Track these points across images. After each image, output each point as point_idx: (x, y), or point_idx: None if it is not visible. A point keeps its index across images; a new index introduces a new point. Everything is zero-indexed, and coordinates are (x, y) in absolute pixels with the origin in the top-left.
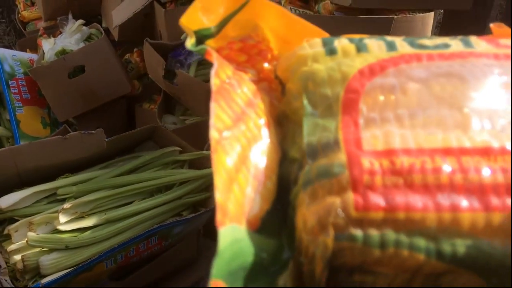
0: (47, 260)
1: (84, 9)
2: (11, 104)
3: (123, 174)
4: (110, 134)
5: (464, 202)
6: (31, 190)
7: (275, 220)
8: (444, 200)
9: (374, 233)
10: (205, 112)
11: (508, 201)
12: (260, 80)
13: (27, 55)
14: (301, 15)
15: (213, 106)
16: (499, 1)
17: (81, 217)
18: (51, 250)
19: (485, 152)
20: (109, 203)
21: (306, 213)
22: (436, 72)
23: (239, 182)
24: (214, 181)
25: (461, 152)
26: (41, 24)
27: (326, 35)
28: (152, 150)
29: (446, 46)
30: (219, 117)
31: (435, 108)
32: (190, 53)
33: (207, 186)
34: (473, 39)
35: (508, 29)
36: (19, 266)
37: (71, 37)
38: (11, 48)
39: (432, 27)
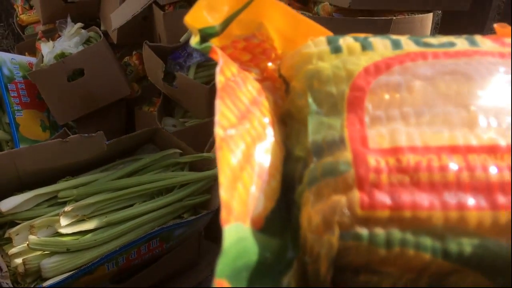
0: (49, 263)
1: (82, 12)
2: (10, 108)
3: (123, 176)
4: (110, 137)
5: (470, 201)
6: (32, 193)
7: (279, 219)
8: (450, 198)
9: (380, 232)
10: (205, 114)
11: None
12: (264, 79)
13: (26, 59)
14: None
15: (218, 104)
16: (498, 2)
17: (82, 220)
18: (52, 253)
19: (492, 150)
20: (110, 206)
21: (311, 212)
22: (441, 70)
23: (244, 180)
24: (219, 178)
25: (467, 150)
26: (40, 28)
27: (330, 34)
28: (153, 152)
29: (452, 44)
30: (224, 115)
31: (441, 106)
32: (189, 55)
33: (208, 188)
34: (478, 38)
35: (505, 31)
36: (20, 269)
37: (70, 40)
38: (10, 52)
39: (431, 28)
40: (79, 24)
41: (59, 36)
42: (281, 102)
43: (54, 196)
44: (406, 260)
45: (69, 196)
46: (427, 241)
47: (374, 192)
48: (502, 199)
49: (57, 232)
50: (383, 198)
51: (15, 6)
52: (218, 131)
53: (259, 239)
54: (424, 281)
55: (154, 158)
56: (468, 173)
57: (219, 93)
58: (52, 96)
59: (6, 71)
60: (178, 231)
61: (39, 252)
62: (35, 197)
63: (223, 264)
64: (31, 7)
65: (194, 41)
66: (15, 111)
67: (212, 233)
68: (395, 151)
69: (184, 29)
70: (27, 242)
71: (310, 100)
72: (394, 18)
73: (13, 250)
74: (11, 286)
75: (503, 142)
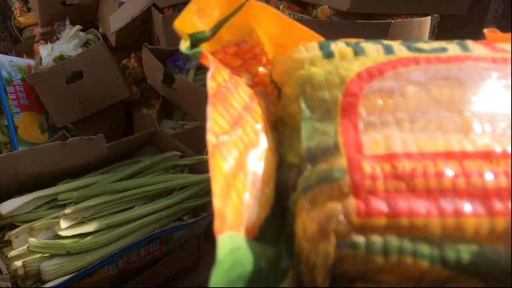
0: (48, 266)
1: (80, 15)
2: (9, 110)
3: (123, 179)
4: (109, 139)
5: (467, 207)
6: (32, 195)
7: (273, 228)
8: (447, 205)
9: (377, 240)
10: (204, 117)
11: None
12: (255, 84)
13: (24, 61)
14: (299, 20)
15: (210, 110)
16: (495, 6)
17: (82, 223)
18: (52, 256)
19: (487, 156)
20: (109, 208)
21: (306, 220)
22: (434, 76)
23: (237, 188)
24: (212, 187)
25: (463, 156)
26: (38, 30)
27: (322, 39)
28: (152, 155)
29: (443, 50)
30: (216, 121)
31: (435, 111)
32: (188, 58)
33: (208, 190)
34: (470, 43)
35: (501, 34)
36: (20, 272)
37: (68, 42)
38: (7, 54)
39: (429, 31)
40: (78, 27)
41: (57, 38)
42: (273, 107)
43: (54, 198)
44: (404, 268)
45: (69, 198)
46: (424, 248)
47: (370, 199)
48: (498, 205)
49: (57, 235)
50: (380, 205)
51: (13, 9)
52: (210, 138)
53: (253, 248)
54: None
55: (154, 160)
56: (464, 179)
57: (210, 99)
58: (51, 98)
59: (4, 74)
60: (178, 233)
61: (39, 255)
62: (35, 199)
63: (217, 276)
64: (29, 10)
65: (184, 46)
66: (14, 114)
67: (211, 235)
68: (390, 157)
69: None
70: (27, 245)
71: (302, 105)
72: (393, 21)
73: (13, 253)
74: None
75: (498, 147)
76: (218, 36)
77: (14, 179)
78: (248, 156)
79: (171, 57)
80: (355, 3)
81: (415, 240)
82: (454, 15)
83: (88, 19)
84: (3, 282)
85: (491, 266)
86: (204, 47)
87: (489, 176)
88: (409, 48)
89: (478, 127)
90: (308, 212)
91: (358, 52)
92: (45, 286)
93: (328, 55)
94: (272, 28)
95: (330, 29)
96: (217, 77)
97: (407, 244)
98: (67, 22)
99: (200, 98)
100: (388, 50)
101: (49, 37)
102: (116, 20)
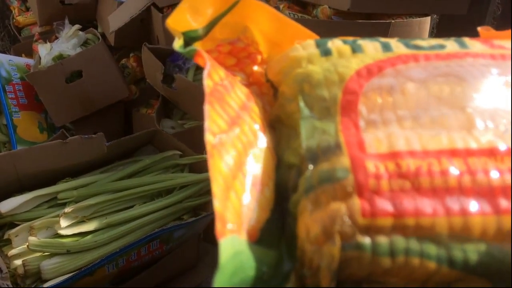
0: (48, 265)
1: (79, 15)
2: (8, 109)
3: (123, 178)
4: (108, 139)
5: (473, 206)
6: (32, 194)
7: (274, 230)
8: (453, 203)
9: (383, 240)
10: (203, 117)
11: None
12: (250, 84)
13: (23, 60)
14: (299, 19)
15: (208, 109)
16: (493, 7)
17: (82, 222)
18: (52, 255)
19: (492, 153)
20: (109, 207)
21: (309, 221)
22: (434, 73)
23: (236, 190)
24: (212, 188)
25: (467, 153)
26: (36, 30)
27: (317, 37)
28: (152, 154)
29: (442, 47)
30: (214, 120)
31: (436, 108)
32: (188, 57)
33: (208, 190)
34: (467, 40)
35: (495, 32)
36: (20, 271)
37: (67, 42)
38: (6, 54)
39: (428, 32)
40: (77, 26)
41: (56, 38)
42: (269, 107)
43: (53, 197)
44: (410, 269)
45: (69, 197)
46: (431, 249)
47: (375, 199)
48: (505, 203)
49: (57, 234)
50: (385, 205)
51: (11, 8)
52: (208, 138)
53: (255, 252)
54: None
55: (154, 159)
56: (469, 177)
57: (207, 98)
58: (50, 97)
59: (3, 73)
60: (178, 232)
61: (39, 254)
62: (35, 198)
63: (220, 281)
64: (27, 9)
65: (178, 44)
66: (13, 113)
67: (211, 235)
68: (394, 155)
69: None
70: (27, 244)
71: (301, 104)
72: (393, 21)
73: (12, 252)
74: (11, 287)
75: (502, 144)
76: (211, 34)
77: (14, 178)
78: (247, 157)
79: (170, 57)
80: (355, 3)
81: (422, 240)
82: (453, 16)
83: (87, 19)
84: (3, 280)
85: (498, 265)
86: (197, 46)
87: (494, 174)
88: (407, 46)
89: (481, 124)
90: (310, 213)
91: (356, 49)
92: (45, 285)
93: (326, 53)
94: (267, 26)
95: (330, 29)
96: (214, 76)
97: (414, 245)
98: (66, 21)
99: (199, 98)
100: (386, 47)
101: (48, 36)
102: (115, 19)
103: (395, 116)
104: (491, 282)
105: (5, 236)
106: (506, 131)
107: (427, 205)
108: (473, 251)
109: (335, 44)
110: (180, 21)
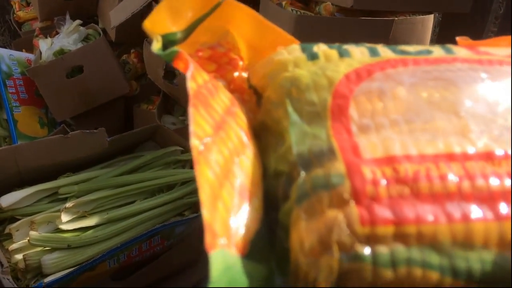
0: (49, 260)
1: (80, 10)
2: (8, 104)
3: (124, 173)
4: (108, 135)
5: (475, 211)
6: (33, 189)
7: (265, 243)
8: (454, 210)
9: (383, 250)
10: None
11: None
12: (231, 91)
13: (24, 55)
14: (302, 16)
15: (192, 112)
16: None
17: (83, 217)
18: (53, 250)
19: (489, 157)
20: (111, 203)
21: (303, 232)
22: (424, 77)
23: (224, 200)
24: (200, 196)
25: (465, 157)
26: (37, 25)
27: (298, 42)
28: (153, 150)
29: (429, 52)
30: (199, 124)
31: (429, 113)
32: None
33: None
34: (453, 46)
35: (472, 41)
36: (21, 265)
37: (68, 37)
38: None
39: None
40: (78, 21)
41: (57, 33)
42: (252, 115)
43: (54, 192)
44: (413, 281)
45: (70, 192)
46: (434, 258)
47: (374, 206)
48: (505, 208)
49: (58, 228)
50: (384, 212)
51: (12, 3)
52: (194, 143)
53: (246, 267)
54: None
55: (155, 155)
56: (469, 182)
57: (192, 101)
58: (50, 92)
59: (4, 67)
60: (179, 228)
61: (39, 248)
62: (36, 193)
63: None
64: (28, 4)
65: (156, 47)
66: (13, 108)
67: None
68: (390, 160)
69: None
70: (28, 238)
71: (289, 109)
72: (396, 19)
73: (13, 246)
74: (12, 281)
75: (498, 148)
76: (191, 38)
77: (15, 172)
78: (234, 164)
79: None
80: (359, 0)
81: (424, 249)
82: (456, 15)
83: (88, 14)
84: (3, 275)
85: (502, 274)
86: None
87: (493, 178)
88: (394, 51)
89: (475, 127)
90: (305, 223)
91: (342, 54)
92: (46, 279)
93: (313, 56)
94: (248, 30)
95: (333, 25)
96: (198, 78)
97: (416, 254)
98: (67, 16)
99: None
100: (373, 52)
101: (49, 31)
102: (116, 15)
103: (388, 121)
104: None
105: (6, 231)
106: (501, 134)
107: (428, 211)
108: (476, 260)
109: (321, 48)
110: (158, 23)
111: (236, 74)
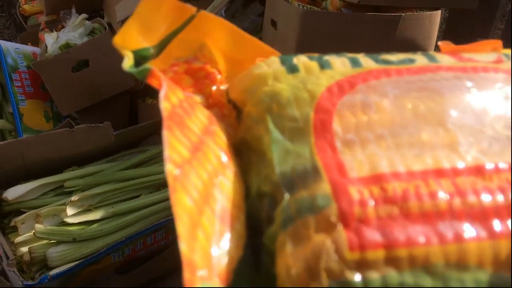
0: (55, 252)
1: (85, 4)
2: (14, 97)
3: (130, 167)
4: (113, 129)
5: (468, 231)
6: (38, 182)
7: (249, 270)
8: (446, 229)
9: (374, 276)
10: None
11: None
12: (209, 106)
13: (30, 49)
14: (308, 11)
15: (166, 135)
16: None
17: (88, 210)
18: (58, 243)
19: (479, 171)
20: (116, 197)
21: (290, 259)
22: (409, 88)
23: (204, 227)
24: (177, 228)
25: (454, 173)
26: (43, 18)
27: (277, 54)
28: (159, 144)
29: (411, 61)
30: (174, 148)
31: (415, 125)
32: None
33: None
34: (436, 54)
35: (455, 46)
36: (26, 258)
37: (74, 31)
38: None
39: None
40: (84, 15)
41: (63, 27)
42: (232, 130)
43: (60, 185)
44: None
45: (76, 185)
46: (427, 281)
47: (362, 229)
48: (499, 226)
49: (63, 222)
50: (374, 235)
51: None
52: (169, 169)
53: None
54: None
55: (160, 149)
56: (460, 199)
57: (166, 123)
58: (56, 86)
59: (10, 61)
60: None
61: (45, 241)
62: (41, 186)
63: None
64: None
65: (128, 64)
66: (19, 101)
67: None
68: (377, 178)
69: None
70: (33, 231)
71: (270, 125)
72: (403, 14)
73: (19, 239)
74: (18, 274)
75: (488, 161)
76: (166, 52)
77: (20, 165)
78: (213, 188)
79: None
80: None
81: (416, 273)
82: (463, 11)
83: (94, 8)
84: (9, 267)
85: None
86: (150, 65)
87: (485, 194)
88: (376, 60)
89: (464, 140)
90: (291, 249)
91: (324, 65)
92: (51, 272)
93: (292, 69)
94: (225, 42)
95: (339, 21)
96: (171, 97)
97: (408, 279)
98: (73, 10)
99: None
100: (355, 62)
101: (54, 25)
102: (122, 9)
103: (373, 135)
104: None
105: (12, 223)
106: (490, 146)
107: (419, 233)
108: (471, 281)
109: (301, 60)
110: (129, 38)
111: (214, 88)
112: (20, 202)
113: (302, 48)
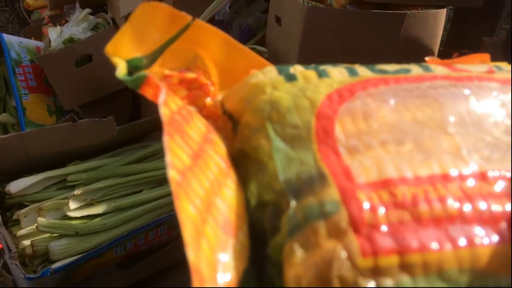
0: (57, 246)
1: None
2: (17, 91)
3: (132, 162)
4: (116, 124)
5: (480, 235)
6: (41, 176)
7: (253, 283)
8: (458, 234)
9: (388, 282)
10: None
11: None
12: (204, 118)
13: (33, 43)
14: (313, 8)
15: (167, 141)
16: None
17: (90, 204)
18: (60, 236)
19: (483, 177)
20: (118, 191)
21: (300, 268)
22: (408, 95)
23: (208, 237)
24: (183, 234)
25: (461, 178)
26: (46, 13)
27: (270, 65)
28: (161, 139)
29: (407, 71)
30: (176, 154)
31: (417, 132)
32: None
33: None
34: (430, 64)
35: (447, 60)
36: (28, 251)
37: (78, 25)
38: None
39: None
40: (88, 10)
41: (66, 21)
42: (229, 142)
43: (63, 179)
44: None
45: (78, 180)
46: (441, 287)
47: (374, 234)
48: (509, 230)
49: (66, 215)
50: (386, 241)
51: None
52: (172, 175)
53: None
54: None
55: (162, 145)
56: (469, 203)
57: (166, 128)
58: (59, 81)
59: (14, 55)
60: None
61: (47, 235)
62: (44, 179)
63: None
64: None
65: (121, 73)
66: (22, 95)
67: None
68: (386, 183)
69: (193, 15)
70: (36, 224)
71: (271, 133)
72: (408, 12)
73: (21, 232)
74: (20, 267)
75: (491, 167)
76: (158, 63)
77: (23, 158)
78: (215, 197)
79: None
80: None
81: (430, 279)
82: (468, 10)
83: (97, 3)
84: (11, 260)
85: None
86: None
87: (492, 200)
88: (372, 70)
89: (465, 146)
90: (300, 257)
91: (321, 74)
92: (53, 265)
93: (290, 78)
94: (220, 54)
95: (344, 18)
96: (170, 103)
97: (422, 284)
98: (77, 5)
99: None
100: (352, 72)
101: (58, 20)
102: (126, 4)
103: (376, 141)
104: None
105: (14, 217)
106: (491, 153)
107: (431, 238)
108: (485, 286)
109: (298, 69)
110: (122, 47)
111: (208, 100)
112: (23, 196)
113: (307, 44)
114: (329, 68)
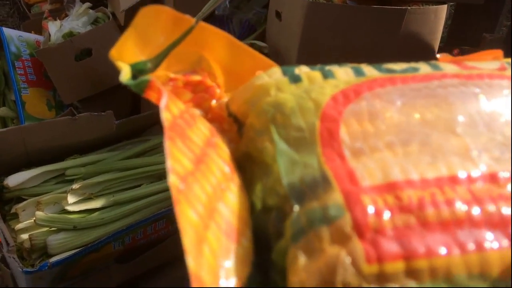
0: (55, 240)
1: None
2: (16, 85)
3: (131, 157)
4: (115, 118)
5: (489, 239)
6: (40, 169)
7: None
8: (466, 238)
9: None
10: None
11: None
12: (209, 120)
13: (33, 37)
14: (313, 3)
15: (168, 146)
16: None
17: (89, 199)
18: (59, 230)
19: (493, 179)
20: (117, 186)
21: (303, 273)
22: (415, 95)
23: (210, 243)
24: (183, 241)
25: (469, 180)
26: (46, 7)
27: (276, 66)
28: (160, 134)
29: (415, 69)
30: (177, 159)
31: (424, 132)
32: None
33: None
34: (439, 62)
35: (457, 58)
36: (26, 245)
37: (78, 20)
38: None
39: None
40: (88, 4)
41: (66, 15)
42: (234, 145)
43: (61, 173)
44: None
45: (77, 174)
46: None
47: (379, 239)
48: None
49: (64, 209)
50: (391, 246)
51: None
52: (173, 180)
53: None
54: None
55: (162, 139)
56: (478, 206)
57: (167, 133)
58: (59, 75)
59: (13, 48)
60: None
61: (45, 229)
62: (43, 173)
63: None
64: None
65: (125, 77)
66: (22, 89)
67: None
68: (391, 187)
69: (195, 12)
70: (34, 218)
71: (275, 136)
72: (409, 8)
73: (19, 226)
74: (18, 261)
75: (501, 169)
76: (163, 66)
77: (22, 152)
78: (218, 202)
79: None
80: None
81: (437, 284)
82: (469, 6)
83: None
84: (9, 254)
85: None
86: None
87: (502, 202)
88: (380, 69)
89: (475, 147)
90: (304, 263)
91: (326, 75)
92: (51, 259)
93: (295, 79)
94: (224, 55)
95: (344, 13)
96: (172, 108)
97: None
98: None
99: None
100: (358, 72)
101: (58, 14)
102: None
103: (382, 143)
104: None
105: (12, 210)
106: (502, 154)
107: (438, 242)
108: None
109: (303, 70)
110: (126, 51)
111: (213, 102)
112: (21, 189)
113: (307, 40)
114: (334, 69)
